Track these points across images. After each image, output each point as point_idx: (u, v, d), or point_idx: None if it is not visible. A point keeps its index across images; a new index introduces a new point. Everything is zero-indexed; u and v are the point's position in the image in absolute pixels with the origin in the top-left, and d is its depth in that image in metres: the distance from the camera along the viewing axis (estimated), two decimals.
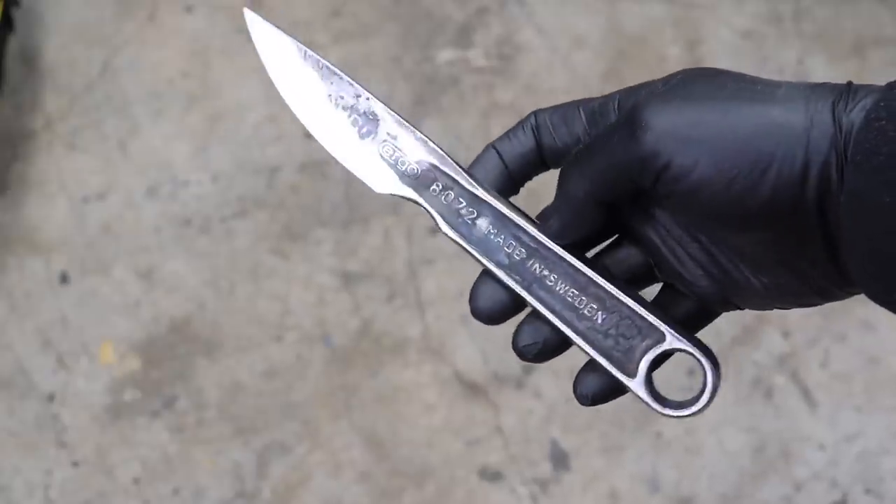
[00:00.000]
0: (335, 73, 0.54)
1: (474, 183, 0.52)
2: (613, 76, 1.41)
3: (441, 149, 0.53)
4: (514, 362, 1.27)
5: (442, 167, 0.53)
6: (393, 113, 0.54)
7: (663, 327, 0.50)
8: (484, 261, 0.52)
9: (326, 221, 1.36)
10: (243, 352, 1.30)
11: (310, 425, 1.28)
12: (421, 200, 0.53)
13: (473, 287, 0.53)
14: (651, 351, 0.50)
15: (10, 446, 1.27)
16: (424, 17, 1.45)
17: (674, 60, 1.41)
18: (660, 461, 1.25)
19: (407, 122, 0.53)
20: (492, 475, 1.25)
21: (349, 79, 0.54)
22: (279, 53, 0.55)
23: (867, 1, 1.45)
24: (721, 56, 1.40)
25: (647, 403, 0.50)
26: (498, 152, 0.54)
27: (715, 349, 0.51)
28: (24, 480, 1.26)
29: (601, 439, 1.26)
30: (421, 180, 0.53)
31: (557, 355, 0.53)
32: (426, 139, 0.53)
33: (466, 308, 0.53)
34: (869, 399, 1.27)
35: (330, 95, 0.55)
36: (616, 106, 0.51)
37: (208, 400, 1.29)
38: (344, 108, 0.54)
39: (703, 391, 0.49)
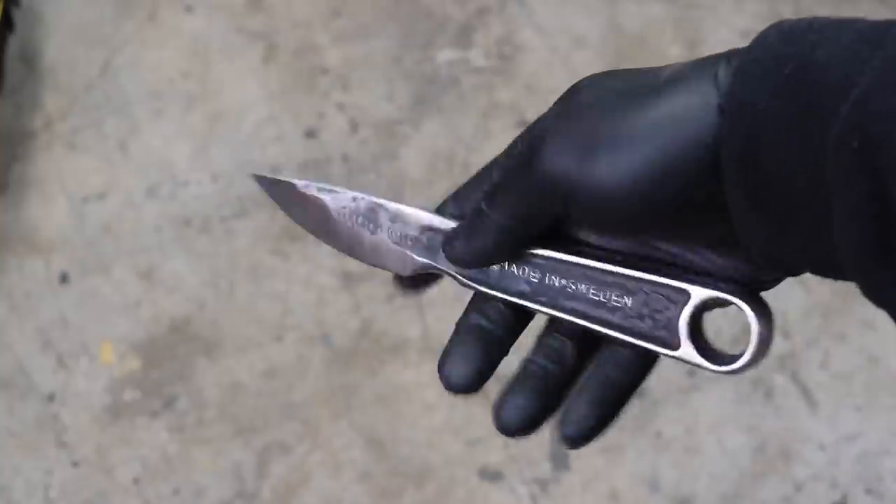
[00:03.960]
0: (330, 189, 0.57)
1: None
2: None
3: (433, 211, 0.54)
4: (513, 362, 1.27)
5: (440, 227, 0.53)
6: (382, 199, 0.55)
7: (686, 284, 0.47)
8: (510, 298, 0.51)
9: None
10: (243, 352, 1.30)
11: (310, 425, 1.28)
12: (438, 265, 0.53)
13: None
14: (684, 311, 0.47)
15: (10, 446, 1.27)
16: (424, 17, 1.45)
17: (674, 60, 1.40)
18: (660, 461, 1.25)
19: (396, 201, 0.55)
20: (492, 475, 1.25)
21: (339, 188, 0.57)
22: (286, 197, 0.58)
23: (867, 1, 1.45)
24: None
25: (699, 365, 0.48)
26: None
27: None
28: (24, 480, 1.26)
29: (601, 439, 1.26)
30: (430, 247, 0.53)
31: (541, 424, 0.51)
32: (418, 209, 0.54)
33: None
34: (869, 399, 1.27)
35: (335, 210, 0.57)
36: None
37: (208, 400, 1.29)
38: (350, 216, 0.56)
39: (749, 342, 0.47)
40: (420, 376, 1.28)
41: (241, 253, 1.35)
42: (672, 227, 0.46)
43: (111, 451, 1.27)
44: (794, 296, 1.29)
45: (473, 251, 0.51)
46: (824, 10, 1.44)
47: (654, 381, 1.32)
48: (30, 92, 1.42)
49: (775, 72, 0.41)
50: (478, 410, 1.26)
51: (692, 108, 0.44)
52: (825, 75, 0.40)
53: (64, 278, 1.34)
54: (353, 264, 1.36)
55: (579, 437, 0.51)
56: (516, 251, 0.50)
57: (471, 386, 0.52)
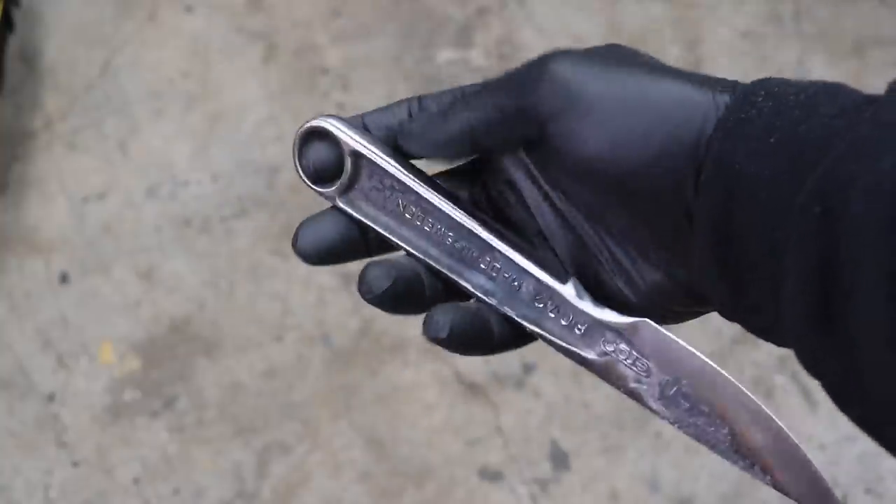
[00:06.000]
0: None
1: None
2: None
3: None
4: (514, 362, 1.27)
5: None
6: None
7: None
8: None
9: None
10: (243, 352, 1.30)
11: (310, 425, 1.28)
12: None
13: (303, 224, 0.52)
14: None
15: (10, 446, 1.27)
16: (424, 17, 1.45)
17: (674, 60, 1.41)
18: (660, 461, 1.25)
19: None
20: (492, 475, 1.25)
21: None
22: None
23: (867, 1, 1.45)
24: (721, 56, 1.40)
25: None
26: (364, 122, 0.53)
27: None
28: (24, 480, 1.26)
29: (601, 439, 1.26)
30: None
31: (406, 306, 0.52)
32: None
33: None
34: None
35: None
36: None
37: (208, 400, 1.29)
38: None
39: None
40: (420, 376, 1.28)
41: (241, 253, 1.35)
42: (629, 203, 0.46)
43: (111, 451, 1.27)
44: None
45: (428, 134, 0.50)
46: (824, 10, 1.44)
47: None
48: (30, 92, 1.42)
49: (762, 139, 0.43)
50: (478, 410, 1.26)
51: (695, 103, 0.44)
52: (802, 148, 0.42)
53: (64, 278, 1.34)
54: (352, 264, 1.36)
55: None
56: (463, 154, 0.49)
57: (315, 256, 0.52)
